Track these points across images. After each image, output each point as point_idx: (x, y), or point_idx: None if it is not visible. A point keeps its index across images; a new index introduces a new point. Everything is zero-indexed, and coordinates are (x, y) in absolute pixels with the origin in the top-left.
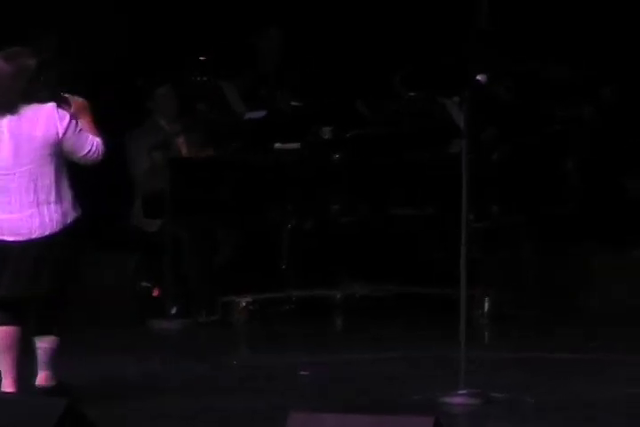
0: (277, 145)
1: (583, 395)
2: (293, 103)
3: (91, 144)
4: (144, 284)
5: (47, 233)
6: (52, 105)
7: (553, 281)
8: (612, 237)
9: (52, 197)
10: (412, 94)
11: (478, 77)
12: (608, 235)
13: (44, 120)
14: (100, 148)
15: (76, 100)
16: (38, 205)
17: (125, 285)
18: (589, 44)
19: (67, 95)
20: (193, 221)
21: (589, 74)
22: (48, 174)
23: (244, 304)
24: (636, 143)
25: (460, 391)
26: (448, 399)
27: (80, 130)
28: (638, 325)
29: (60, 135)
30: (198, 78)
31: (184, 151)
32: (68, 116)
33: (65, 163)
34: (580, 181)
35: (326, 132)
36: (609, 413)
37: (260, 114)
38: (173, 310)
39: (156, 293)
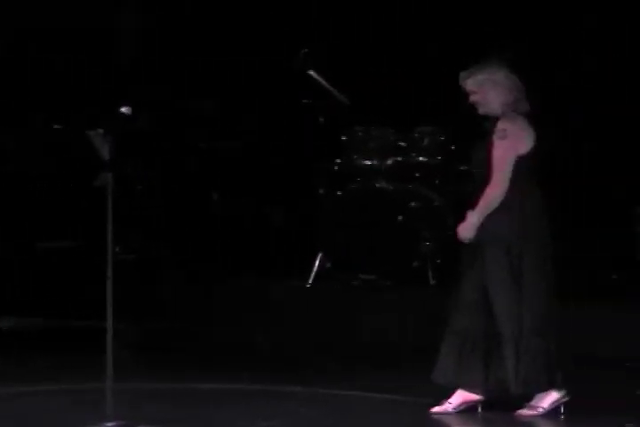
0: None
1: (231, 425)
2: None
3: None
4: None
5: None
6: None
7: (200, 312)
8: (263, 267)
9: None
10: (57, 127)
11: (123, 109)
12: (258, 264)
13: None
14: None
15: None
16: None
17: None
18: (229, 77)
19: None
20: None
21: (233, 106)
22: None
23: None
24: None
25: (108, 424)
26: None
27: None
28: (284, 356)
29: None
30: None
31: None
32: None
33: None
34: (225, 211)
35: None
36: None
37: None
38: None
39: None
